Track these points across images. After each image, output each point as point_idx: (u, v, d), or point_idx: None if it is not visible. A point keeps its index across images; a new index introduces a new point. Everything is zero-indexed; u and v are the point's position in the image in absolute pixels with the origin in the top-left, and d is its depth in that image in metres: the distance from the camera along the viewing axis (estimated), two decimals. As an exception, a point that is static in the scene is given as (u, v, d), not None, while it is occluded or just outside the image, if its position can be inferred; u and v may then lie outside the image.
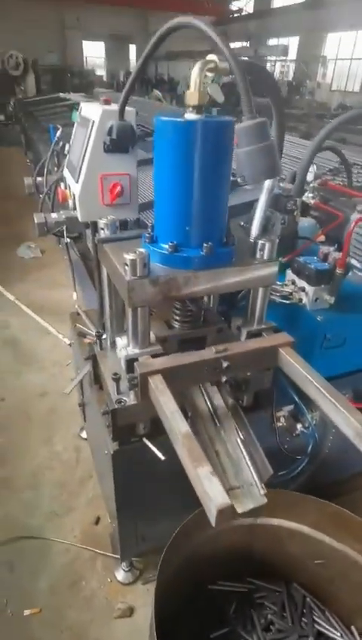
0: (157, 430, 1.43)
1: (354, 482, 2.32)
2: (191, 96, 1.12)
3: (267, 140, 1.04)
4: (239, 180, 1.08)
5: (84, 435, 2.74)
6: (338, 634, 1.63)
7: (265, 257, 1.32)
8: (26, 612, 1.91)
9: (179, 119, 1.12)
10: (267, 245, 1.31)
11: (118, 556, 2.02)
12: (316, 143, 1.98)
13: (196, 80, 1.14)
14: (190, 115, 1.13)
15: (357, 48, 18.67)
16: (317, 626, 1.69)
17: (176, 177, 1.18)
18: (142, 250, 1.20)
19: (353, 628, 1.66)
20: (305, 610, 1.74)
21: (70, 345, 3.33)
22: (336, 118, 1.98)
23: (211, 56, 1.15)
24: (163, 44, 1.27)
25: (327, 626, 1.68)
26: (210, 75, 1.17)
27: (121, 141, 1.43)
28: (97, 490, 2.41)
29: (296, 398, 1.65)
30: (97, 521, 2.29)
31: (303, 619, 1.72)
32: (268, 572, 1.83)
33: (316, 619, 1.72)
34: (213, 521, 0.85)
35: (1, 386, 3.20)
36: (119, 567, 2.04)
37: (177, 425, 1.02)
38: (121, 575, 2.03)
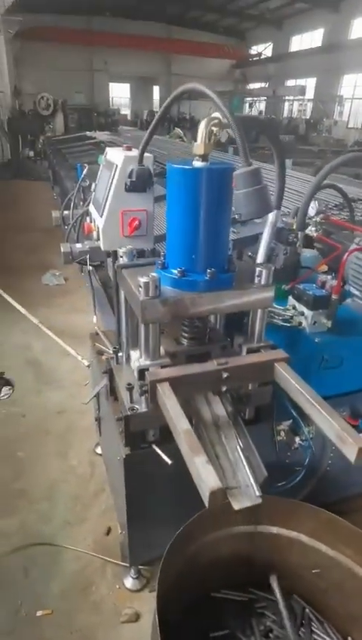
0: (166, 438, 1.60)
1: (359, 501, 2.40)
2: (198, 148, 1.34)
3: (260, 183, 1.24)
4: (236, 216, 1.28)
5: (98, 450, 2.88)
6: (335, 643, 1.70)
7: (263, 282, 1.50)
8: (39, 613, 2.02)
9: (187, 166, 1.34)
10: (264, 272, 1.49)
11: (127, 564, 2.13)
12: (316, 182, 2.18)
13: (202, 133, 1.36)
14: (197, 163, 1.35)
15: (372, 89, 19.35)
16: (315, 636, 1.76)
17: (185, 214, 1.39)
18: (154, 274, 1.40)
19: (349, 639, 1.72)
20: (304, 621, 1.81)
21: (88, 366, 3.54)
22: (336, 159, 2.19)
23: (215, 114, 1.38)
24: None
25: (325, 637, 1.74)
26: (214, 129, 1.40)
27: (139, 183, 1.66)
28: (109, 503, 2.53)
29: (294, 413, 1.79)
30: (108, 531, 2.41)
31: (302, 629, 1.79)
32: (269, 582, 1.92)
33: (314, 629, 1.79)
34: (206, 502, 1.00)
35: (22, 403, 3.39)
36: (128, 574, 2.15)
37: (180, 423, 1.19)
38: (129, 582, 2.13)
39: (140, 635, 1.94)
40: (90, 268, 2.59)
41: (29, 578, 2.18)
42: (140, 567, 2.15)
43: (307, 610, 1.85)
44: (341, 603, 1.75)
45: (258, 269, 1.50)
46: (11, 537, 2.35)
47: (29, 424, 3.19)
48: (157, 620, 1.41)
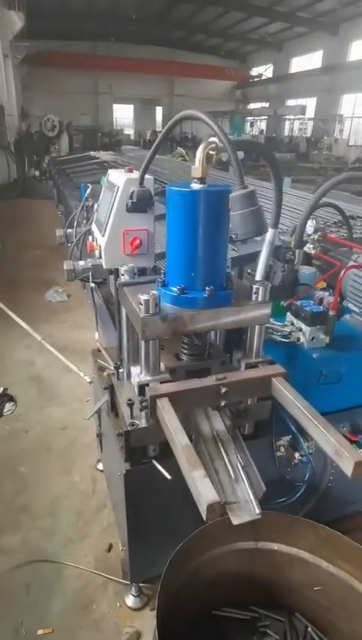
0: (166, 454, 1.62)
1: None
2: (196, 171, 1.40)
3: (255, 205, 1.29)
4: (233, 236, 1.33)
5: (100, 466, 2.89)
6: (337, 662, 1.68)
7: (259, 299, 1.54)
8: (39, 632, 2.01)
9: (185, 189, 1.39)
10: (261, 289, 1.54)
11: (128, 582, 2.12)
12: (313, 201, 2.24)
13: (200, 157, 1.42)
14: (195, 186, 1.41)
15: (371, 108, 19.71)
16: (317, 655, 1.74)
17: (184, 234, 1.44)
18: (154, 292, 1.44)
19: (351, 657, 1.70)
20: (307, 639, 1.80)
21: (90, 382, 3.57)
22: (332, 178, 2.25)
23: (213, 139, 1.44)
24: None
25: (327, 655, 1.73)
26: (212, 152, 1.46)
27: (140, 204, 1.72)
28: (111, 519, 2.53)
29: (293, 428, 1.80)
30: (110, 548, 2.40)
31: (304, 647, 1.77)
32: (272, 600, 1.91)
33: (316, 648, 1.77)
34: (204, 515, 1.02)
35: (25, 419, 3.41)
36: (129, 592, 2.13)
37: (178, 438, 1.21)
38: (130, 600, 2.12)
39: (141, 655, 1.93)
40: (93, 285, 2.64)
41: (30, 596, 2.17)
42: (141, 584, 2.14)
43: (309, 628, 1.83)
44: (344, 621, 1.73)
45: (255, 287, 1.54)
46: (14, 554, 2.35)
47: (32, 440, 3.20)
48: (157, 638, 1.41)
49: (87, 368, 3.89)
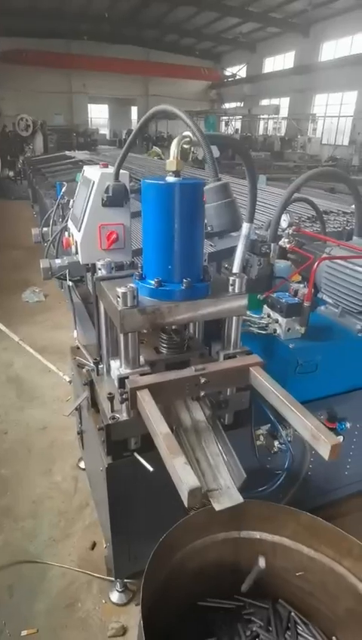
0: (148, 446, 1.62)
1: (345, 506, 2.45)
2: (171, 164, 1.41)
3: (229, 197, 1.31)
4: (209, 228, 1.34)
5: (82, 465, 2.87)
6: (319, 644, 1.72)
7: (236, 291, 1.56)
8: (23, 633, 1.99)
9: (160, 182, 1.40)
10: (237, 281, 1.56)
11: (113, 579, 2.12)
12: (286, 196, 2.28)
13: (174, 151, 1.44)
14: (170, 179, 1.42)
15: (343, 107, 20.07)
16: (300, 638, 1.78)
17: (159, 226, 1.45)
18: (132, 284, 1.45)
19: (334, 638, 1.75)
20: (289, 625, 1.83)
21: (70, 382, 3.53)
22: (303, 174, 2.30)
23: (186, 133, 1.45)
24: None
25: (310, 638, 1.76)
26: (186, 146, 1.47)
27: (116, 198, 1.73)
28: (93, 518, 2.53)
29: (272, 417, 1.83)
30: (93, 546, 2.40)
31: (288, 632, 1.81)
32: (256, 588, 1.93)
33: (300, 632, 1.81)
34: (185, 501, 1.03)
35: (4, 420, 3.36)
36: (113, 588, 2.13)
37: (159, 427, 1.22)
38: (115, 596, 2.12)
39: (127, 649, 1.93)
40: (70, 283, 2.63)
41: (14, 597, 2.14)
42: (126, 580, 2.14)
43: (292, 614, 1.86)
44: (325, 604, 1.77)
45: (231, 279, 1.56)
46: (-5, 556, 2.32)
47: (12, 441, 3.16)
48: (143, 631, 1.41)
49: (67, 368, 3.86)
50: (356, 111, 18.91)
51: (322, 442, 1.23)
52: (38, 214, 7.78)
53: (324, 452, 1.23)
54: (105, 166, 1.84)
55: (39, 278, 2.65)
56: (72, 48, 23.88)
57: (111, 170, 1.79)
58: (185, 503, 1.04)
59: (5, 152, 13.41)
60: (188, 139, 1.45)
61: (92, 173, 1.85)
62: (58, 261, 2.42)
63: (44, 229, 3.30)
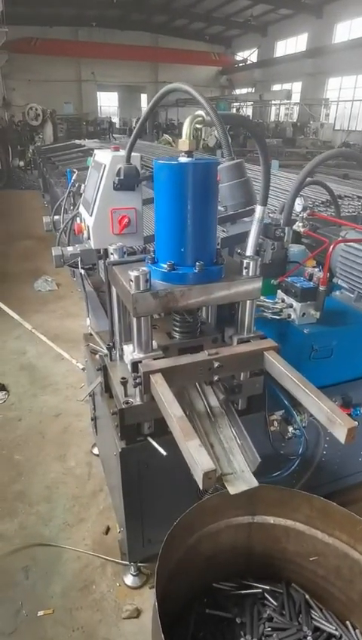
0: (161, 430, 1.62)
1: (359, 491, 2.43)
2: (183, 144, 1.38)
3: (243, 176, 1.28)
4: (222, 209, 1.32)
5: (95, 451, 2.89)
6: (333, 627, 1.72)
7: (250, 274, 1.54)
8: (40, 613, 2.03)
9: (173, 162, 1.38)
10: (251, 264, 1.53)
11: (127, 562, 2.14)
12: (300, 178, 2.23)
13: (187, 130, 1.41)
14: (182, 159, 1.39)
15: (357, 91, 19.60)
16: (314, 622, 1.78)
17: (172, 208, 1.42)
18: (144, 268, 1.43)
19: (348, 623, 1.75)
20: (302, 608, 1.84)
21: (83, 369, 3.55)
22: (316, 157, 2.24)
23: (199, 112, 1.42)
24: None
25: (324, 622, 1.76)
26: (198, 126, 1.44)
27: (127, 181, 1.70)
28: (107, 503, 2.55)
29: (286, 402, 1.82)
30: (107, 530, 2.42)
31: (301, 616, 1.81)
32: (270, 573, 1.94)
33: (313, 616, 1.81)
34: (200, 483, 1.02)
35: (18, 408, 3.40)
36: (127, 572, 2.16)
37: (173, 410, 1.21)
38: (129, 579, 2.14)
39: (142, 630, 1.95)
40: (82, 272, 2.62)
41: (30, 579, 2.18)
42: (140, 564, 2.16)
43: (306, 596, 1.87)
44: (339, 588, 1.77)
45: (245, 261, 1.53)
46: (11, 539, 2.36)
47: (26, 428, 3.20)
48: (157, 612, 1.42)
49: (80, 356, 3.88)
50: (370, 94, 18.46)
51: (338, 425, 1.21)
52: (49, 203, 7.79)
53: (340, 435, 1.21)
54: (117, 149, 1.81)
55: (51, 267, 2.65)
56: (79, 35, 23.65)
57: (122, 153, 1.76)
58: (200, 485, 1.04)
59: (15, 141, 13.40)
60: (200, 118, 1.42)
61: (103, 156, 1.83)
62: (70, 249, 2.40)
63: (56, 217, 3.28)
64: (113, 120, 23.85)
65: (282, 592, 1.90)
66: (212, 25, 25.24)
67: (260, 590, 1.90)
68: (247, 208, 1.42)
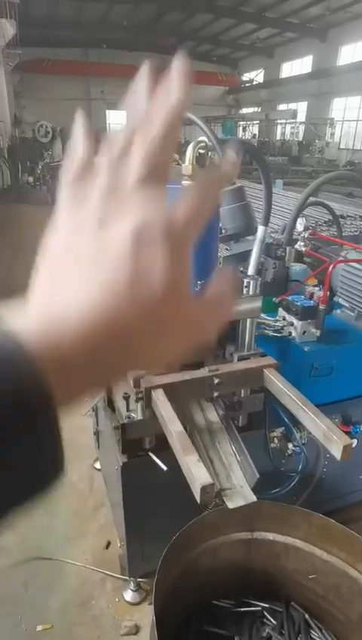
0: (162, 446, 1.65)
1: (359, 510, 2.43)
2: (186, 169, 1.44)
3: (243, 200, 1.34)
4: (223, 231, 1.37)
5: (97, 465, 2.91)
6: (333, 648, 1.71)
7: (250, 293, 1.58)
8: (39, 628, 2.03)
9: (176, 186, 1.43)
10: (251, 283, 1.58)
11: (127, 577, 2.15)
12: (302, 200, 2.29)
13: (190, 156, 1.47)
14: (185, 183, 1.45)
15: (361, 111, 19.92)
16: (313, 642, 1.77)
17: (175, 229, 1.48)
18: (147, 287, 1.48)
19: (347, 643, 1.74)
20: (302, 628, 1.83)
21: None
22: (319, 178, 2.31)
23: (201, 138, 1.49)
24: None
25: (323, 642, 1.76)
26: (201, 151, 1.50)
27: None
28: (108, 518, 2.56)
29: (286, 419, 1.84)
30: (108, 545, 2.43)
31: (300, 635, 1.80)
32: (269, 591, 1.93)
33: (312, 636, 1.80)
34: (198, 497, 1.05)
35: (22, 421, 3.43)
36: (127, 587, 2.16)
37: (173, 426, 1.25)
38: (128, 595, 2.14)
39: (140, 648, 1.95)
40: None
41: (29, 593, 2.18)
42: (140, 579, 2.16)
43: (306, 616, 1.86)
44: (338, 608, 1.77)
45: (246, 280, 1.58)
46: (11, 553, 2.36)
47: (29, 441, 3.22)
48: (155, 629, 1.43)
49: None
50: (374, 114, 18.74)
51: (334, 442, 1.23)
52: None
53: (336, 452, 1.23)
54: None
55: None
56: (90, 56, 24.28)
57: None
58: (198, 499, 1.06)
59: (25, 158, 13.68)
60: (203, 144, 1.48)
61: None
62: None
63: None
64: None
65: (281, 611, 1.90)
66: (219, 47, 25.86)
67: (259, 608, 1.90)
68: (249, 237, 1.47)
